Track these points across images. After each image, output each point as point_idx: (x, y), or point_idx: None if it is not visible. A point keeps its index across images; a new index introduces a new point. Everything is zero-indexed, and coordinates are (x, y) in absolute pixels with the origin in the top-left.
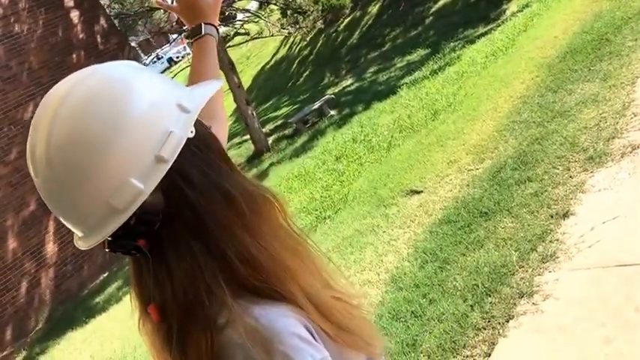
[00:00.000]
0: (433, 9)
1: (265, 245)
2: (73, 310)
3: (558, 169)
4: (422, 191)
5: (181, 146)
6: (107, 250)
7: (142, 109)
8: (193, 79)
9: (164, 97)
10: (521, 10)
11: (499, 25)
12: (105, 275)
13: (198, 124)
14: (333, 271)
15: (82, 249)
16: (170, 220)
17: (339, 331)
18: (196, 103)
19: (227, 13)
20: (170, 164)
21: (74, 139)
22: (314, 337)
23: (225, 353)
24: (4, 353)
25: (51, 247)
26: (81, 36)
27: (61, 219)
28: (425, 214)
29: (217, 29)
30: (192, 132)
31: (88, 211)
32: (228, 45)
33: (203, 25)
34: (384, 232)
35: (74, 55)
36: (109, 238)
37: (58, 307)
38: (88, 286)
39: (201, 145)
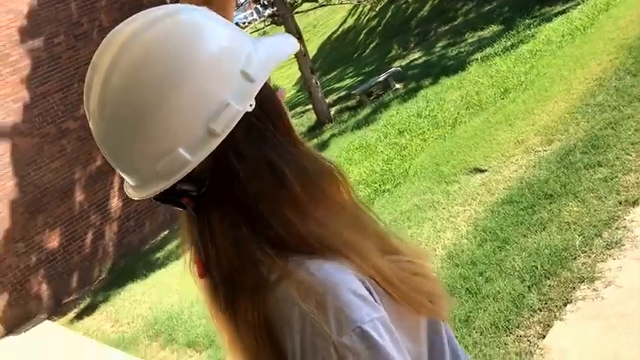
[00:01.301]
0: None
1: (316, 220)
2: (134, 263)
3: (631, 155)
4: (486, 170)
5: (237, 121)
6: (153, 200)
7: (204, 69)
8: None
9: (229, 60)
10: None
11: (578, 4)
12: (166, 232)
13: (262, 89)
14: (393, 232)
15: (131, 197)
16: (217, 187)
17: (402, 289)
18: (263, 72)
19: None
20: (222, 138)
21: (129, 96)
22: (374, 298)
23: (278, 309)
24: (70, 298)
25: (115, 202)
26: None
27: (114, 166)
28: (487, 193)
29: None
30: (251, 105)
31: (139, 167)
32: (295, 11)
33: None
34: (444, 208)
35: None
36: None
37: (120, 260)
38: (149, 241)
39: (260, 115)
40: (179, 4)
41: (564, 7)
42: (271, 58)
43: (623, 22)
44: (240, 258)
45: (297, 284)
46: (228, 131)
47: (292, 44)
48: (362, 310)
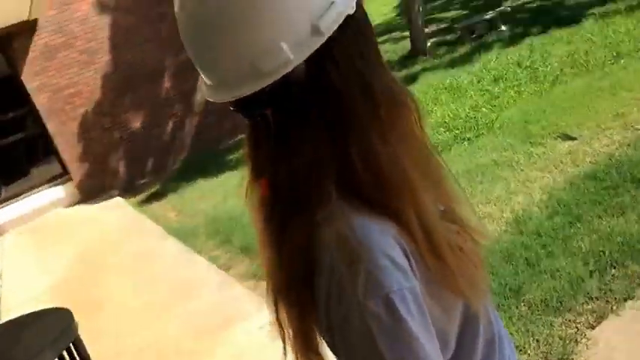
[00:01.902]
0: None
1: (392, 151)
2: (207, 159)
3: None
4: (576, 138)
5: (340, 22)
6: (231, 108)
7: None
8: None
9: None
10: None
11: None
12: (243, 136)
13: (359, 6)
14: (459, 196)
15: (206, 98)
16: (305, 98)
17: (442, 267)
18: None
19: None
20: (325, 38)
21: None
22: (410, 265)
23: (316, 249)
24: (143, 181)
25: (200, 96)
26: None
27: (193, 60)
28: (571, 163)
29: None
30: (352, 8)
31: (227, 65)
32: None
33: None
34: (522, 170)
35: None
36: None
37: (195, 154)
38: (225, 141)
39: (357, 29)
40: None
41: None
42: None
43: None
44: (308, 179)
45: (337, 234)
46: (332, 30)
47: None
48: (393, 277)
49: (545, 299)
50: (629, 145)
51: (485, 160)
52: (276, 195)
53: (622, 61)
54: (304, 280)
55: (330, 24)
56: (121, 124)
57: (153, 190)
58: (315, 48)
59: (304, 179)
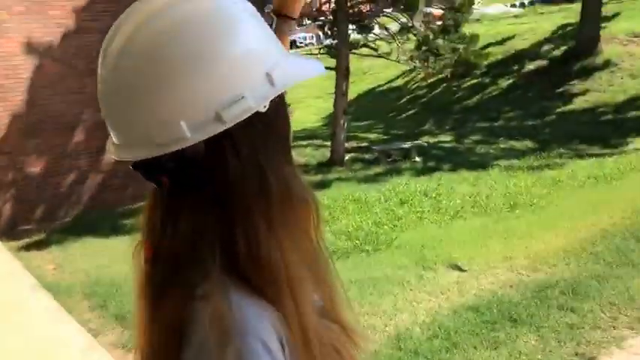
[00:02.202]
0: (559, 109)
1: (277, 243)
2: (102, 219)
3: (605, 314)
4: (465, 271)
5: (246, 116)
6: (130, 167)
7: (225, 60)
8: None
9: (255, 57)
10: None
11: (615, 154)
12: (144, 204)
13: (278, 101)
14: (344, 300)
15: (107, 153)
16: (201, 175)
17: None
18: (285, 81)
19: (366, 22)
20: (226, 127)
21: (152, 55)
22: (284, 353)
23: (189, 323)
24: (27, 227)
25: (109, 157)
26: None
27: (103, 117)
28: (457, 293)
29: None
30: (265, 107)
31: (128, 128)
32: (352, 51)
33: (276, 18)
34: (411, 290)
35: None
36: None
37: (90, 212)
38: (125, 205)
39: (267, 122)
40: None
41: (601, 152)
42: (297, 72)
43: None
44: (192, 249)
45: (213, 311)
46: (235, 122)
47: (319, 69)
48: None
49: None
50: (511, 286)
51: (378, 274)
52: (157, 260)
53: (517, 211)
54: (172, 355)
55: (234, 116)
56: (19, 165)
57: (36, 238)
58: (214, 133)
59: (187, 248)
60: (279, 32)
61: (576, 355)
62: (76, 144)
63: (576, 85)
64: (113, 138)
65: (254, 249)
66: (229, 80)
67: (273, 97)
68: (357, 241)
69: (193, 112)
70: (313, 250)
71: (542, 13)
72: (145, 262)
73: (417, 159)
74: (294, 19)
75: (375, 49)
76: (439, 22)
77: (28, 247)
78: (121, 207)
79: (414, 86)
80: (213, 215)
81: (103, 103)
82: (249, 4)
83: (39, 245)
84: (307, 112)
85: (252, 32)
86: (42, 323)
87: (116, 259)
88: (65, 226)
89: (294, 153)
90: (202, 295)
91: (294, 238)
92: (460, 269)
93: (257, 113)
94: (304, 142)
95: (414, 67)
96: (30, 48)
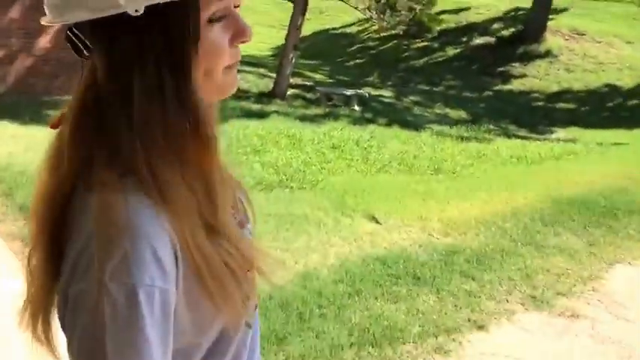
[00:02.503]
0: (497, 87)
1: (173, 158)
2: (24, 105)
3: (503, 287)
4: (380, 223)
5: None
6: (65, 37)
7: None
8: None
9: None
10: (566, 142)
11: (540, 140)
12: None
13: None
14: (233, 221)
15: (42, 22)
16: (132, 48)
17: (209, 276)
18: None
19: None
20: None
21: None
22: (177, 268)
23: (77, 211)
24: None
25: (45, 41)
26: None
27: None
28: (369, 243)
29: None
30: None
31: None
32: None
33: None
34: (327, 233)
35: None
36: (74, 30)
37: (14, 94)
38: (52, 95)
39: (194, 15)
40: None
41: (526, 135)
42: None
43: (564, 177)
44: (99, 117)
45: (106, 205)
46: None
47: None
48: (148, 271)
49: (303, 355)
50: (420, 245)
51: (298, 211)
52: (63, 130)
53: (439, 175)
54: (55, 237)
55: None
56: None
57: None
58: (147, 4)
59: (92, 116)
60: None
61: (469, 320)
62: (10, 21)
63: (517, 68)
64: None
65: (148, 161)
66: None
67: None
68: (283, 177)
69: None
70: (209, 167)
71: None
72: (51, 126)
73: (357, 108)
74: None
75: None
76: None
77: None
78: (48, 96)
79: (366, 36)
80: (140, 89)
81: None
82: None
83: None
84: (256, 40)
85: None
86: None
87: (31, 148)
88: None
89: (239, 77)
90: (98, 185)
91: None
92: (376, 221)
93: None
94: (249, 69)
95: (370, 17)
96: None
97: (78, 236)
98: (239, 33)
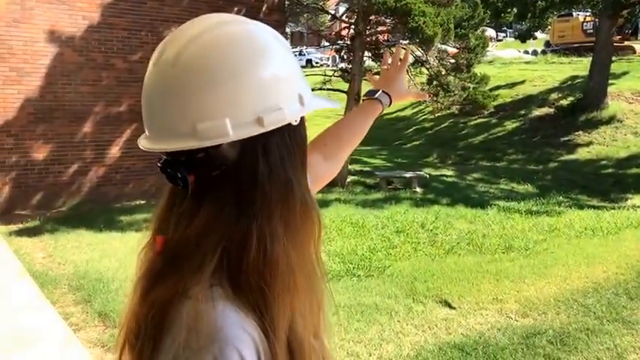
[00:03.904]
0: (562, 158)
1: (289, 248)
2: (97, 213)
3: None
4: (455, 308)
5: (282, 124)
6: (159, 165)
7: (269, 73)
8: (326, 138)
9: (291, 79)
10: None
11: (614, 208)
12: (142, 202)
13: (302, 124)
14: (329, 324)
15: (141, 147)
16: (229, 175)
17: None
18: (313, 104)
19: (382, 51)
20: (264, 131)
21: (210, 55)
22: None
23: (171, 318)
24: (22, 212)
25: (115, 151)
26: None
27: (143, 110)
28: (445, 330)
29: (390, 102)
30: (296, 121)
31: (170, 120)
32: (365, 77)
33: (382, 90)
34: (399, 322)
35: (235, 9)
36: (167, 157)
37: (87, 203)
38: (122, 201)
39: (294, 137)
40: None
41: (600, 204)
42: (320, 100)
43: None
44: (196, 245)
45: (197, 313)
46: (272, 127)
47: (337, 104)
48: None
49: None
50: (499, 329)
51: (368, 301)
52: (165, 253)
53: (511, 253)
54: (153, 338)
55: (272, 121)
56: (24, 149)
57: (29, 224)
58: (253, 134)
59: (190, 244)
60: (376, 105)
61: None
62: (84, 134)
63: (580, 136)
64: (147, 129)
65: (267, 252)
66: (269, 92)
67: (302, 115)
68: (350, 265)
69: (238, 112)
70: (312, 264)
71: (553, 63)
72: (156, 254)
73: (418, 189)
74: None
75: None
76: (452, 60)
77: (20, 233)
78: (119, 203)
79: (421, 118)
80: (230, 217)
81: (147, 95)
82: (281, 37)
83: (32, 232)
84: (316, 130)
85: (292, 59)
86: (23, 311)
87: (107, 254)
88: (61, 215)
89: None
90: (190, 296)
91: (301, 248)
92: (450, 306)
93: (288, 126)
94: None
95: (425, 100)
96: (52, 36)
97: (173, 340)
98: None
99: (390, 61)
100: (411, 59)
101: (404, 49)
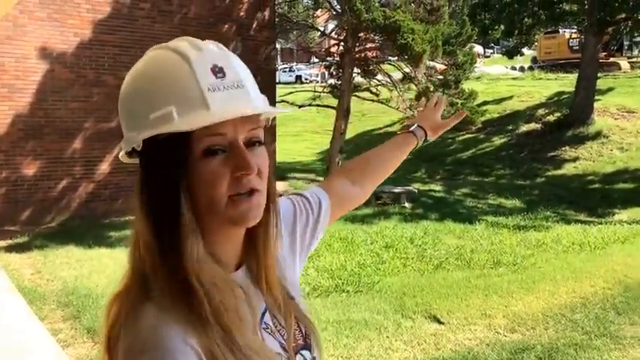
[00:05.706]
0: (549, 173)
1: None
2: (87, 229)
3: None
4: (443, 323)
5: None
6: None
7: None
8: (353, 164)
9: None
10: (630, 224)
11: (601, 223)
12: (131, 218)
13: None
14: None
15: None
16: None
17: None
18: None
19: (371, 68)
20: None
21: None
22: None
23: (131, 320)
24: (11, 228)
25: (104, 167)
26: (242, 14)
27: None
28: (434, 345)
29: (426, 139)
30: (138, 147)
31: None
32: (354, 94)
33: (417, 125)
34: (388, 337)
35: (225, 26)
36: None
37: (77, 219)
38: (111, 217)
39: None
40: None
41: (587, 219)
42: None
43: (632, 261)
44: (131, 253)
45: (134, 321)
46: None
47: (282, 110)
48: None
49: None
50: (487, 344)
51: (357, 316)
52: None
53: (500, 269)
54: (112, 341)
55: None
56: (13, 165)
57: (18, 240)
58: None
59: (130, 251)
60: (410, 138)
61: None
62: (74, 151)
63: (567, 152)
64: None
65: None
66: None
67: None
68: (339, 281)
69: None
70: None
71: (540, 79)
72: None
73: (407, 205)
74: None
75: (377, 94)
76: (440, 76)
77: (9, 249)
78: (108, 219)
79: None
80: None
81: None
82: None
83: (20, 248)
84: (302, 146)
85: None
86: (11, 327)
87: (96, 270)
88: (50, 231)
89: (286, 184)
90: (154, 298)
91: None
92: (439, 321)
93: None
94: (298, 175)
95: (412, 115)
96: (44, 53)
97: (124, 344)
98: (238, 167)
99: (425, 104)
100: (400, 75)
101: (439, 94)
